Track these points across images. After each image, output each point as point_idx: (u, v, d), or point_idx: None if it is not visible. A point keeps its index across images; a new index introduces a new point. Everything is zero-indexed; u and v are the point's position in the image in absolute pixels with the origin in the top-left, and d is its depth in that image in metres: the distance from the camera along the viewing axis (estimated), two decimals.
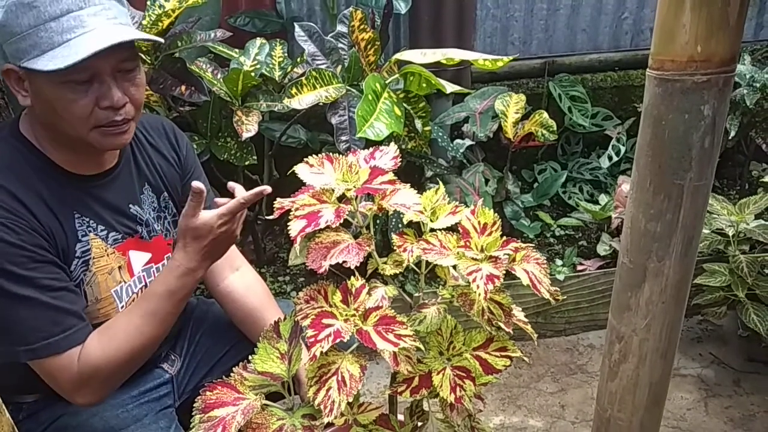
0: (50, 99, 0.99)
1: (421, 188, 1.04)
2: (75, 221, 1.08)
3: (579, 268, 2.33)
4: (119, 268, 1.15)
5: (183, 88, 1.73)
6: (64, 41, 0.94)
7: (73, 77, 0.96)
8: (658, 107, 0.81)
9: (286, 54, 2.14)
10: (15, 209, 0.99)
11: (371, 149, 1.09)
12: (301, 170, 1.00)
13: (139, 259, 1.19)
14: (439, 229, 1.00)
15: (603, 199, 2.61)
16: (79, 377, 1.01)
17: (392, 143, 1.10)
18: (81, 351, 1.02)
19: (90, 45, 0.93)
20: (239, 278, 1.33)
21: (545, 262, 0.96)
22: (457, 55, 1.60)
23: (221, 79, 1.86)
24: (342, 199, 0.97)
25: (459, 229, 0.98)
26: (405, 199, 0.99)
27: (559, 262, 2.34)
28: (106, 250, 1.13)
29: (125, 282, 1.16)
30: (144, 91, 1.08)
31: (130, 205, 1.18)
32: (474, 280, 0.88)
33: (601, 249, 2.39)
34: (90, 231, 1.10)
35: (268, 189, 1.05)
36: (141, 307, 1.08)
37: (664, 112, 0.80)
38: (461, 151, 2.39)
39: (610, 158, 2.79)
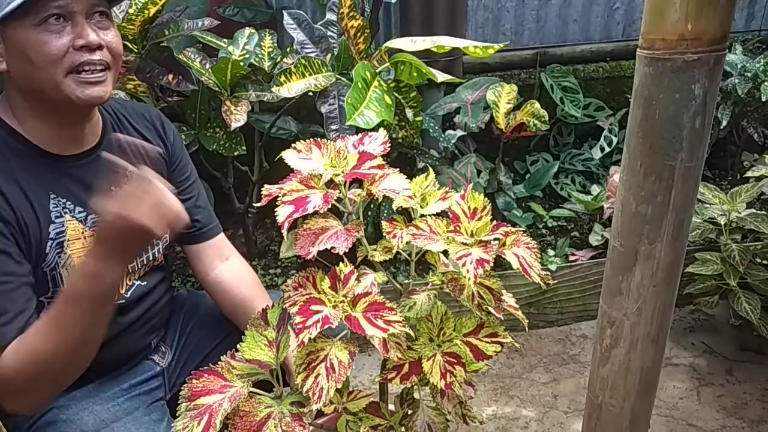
0: (22, 46, 0.96)
1: (413, 179, 1.02)
2: (50, 202, 1.05)
3: (571, 258, 2.33)
4: None
5: (170, 77, 1.71)
6: None
7: (44, 13, 0.94)
8: (649, 87, 0.80)
9: (275, 44, 2.12)
10: None
11: (360, 135, 1.08)
12: (288, 156, 0.98)
13: None
14: (429, 215, 0.99)
15: (595, 189, 2.60)
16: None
17: (381, 129, 1.08)
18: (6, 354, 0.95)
19: None
20: (229, 268, 1.32)
21: (536, 246, 0.95)
22: (447, 42, 1.59)
23: (209, 69, 1.83)
24: (330, 184, 0.95)
25: (449, 214, 0.97)
26: (394, 185, 0.97)
27: (551, 252, 2.33)
28: (83, 233, 1.09)
29: None
30: (121, 42, 1.06)
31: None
32: (464, 265, 0.87)
33: (593, 239, 2.38)
34: (66, 212, 1.07)
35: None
36: (49, 312, 0.95)
37: (655, 91, 0.79)
38: (453, 141, 2.37)
39: (602, 149, 2.79)
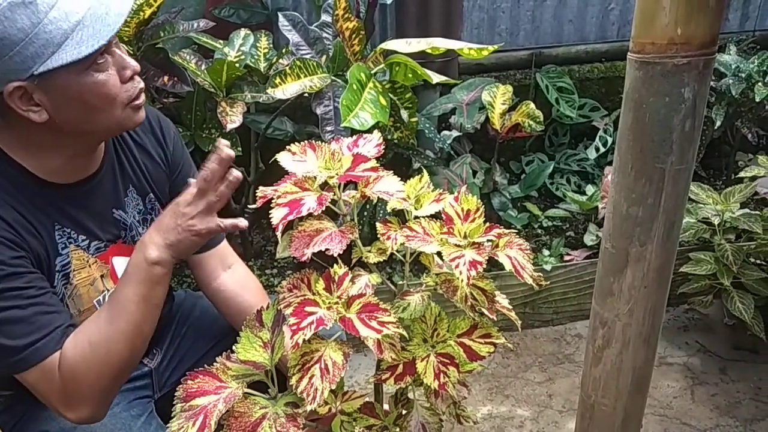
0: (80, 93, 0.93)
1: (408, 180, 1.03)
2: (55, 233, 1.04)
3: (566, 258, 2.34)
4: (101, 276, 1.12)
5: (165, 78, 1.71)
6: (74, 24, 0.89)
7: (95, 55, 0.92)
8: (639, 90, 0.81)
9: (271, 45, 2.13)
10: None
11: (354, 137, 1.08)
12: (283, 158, 0.99)
13: (123, 264, 1.13)
14: (424, 217, 1.00)
15: (590, 189, 2.62)
16: (62, 386, 0.95)
17: (376, 131, 1.09)
18: (60, 357, 0.95)
19: (110, 11, 0.90)
20: (232, 276, 1.30)
21: (528, 247, 0.96)
22: (442, 44, 1.59)
23: (205, 70, 1.84)
24: (325, 186, 0.96)
25: (442, 216, 0.98)
26: (388, 187, 0.98)
27: (546, 252, 2.35)
28: (87, 261, 1.09)
29: (108, 290, 1.12)
30: None
31: (114, 210, 1.14)
32: (457, 266, 0.87)
33: (588, 239, 2.40)
34: (70, 243, 1.06)
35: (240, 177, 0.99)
36: (107, 301, 1.00)
37: (645, 95, 0.80)
38: (448, 142, 2.38)
39: (597, 149, 2.80)
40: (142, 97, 1.03)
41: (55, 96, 0.92)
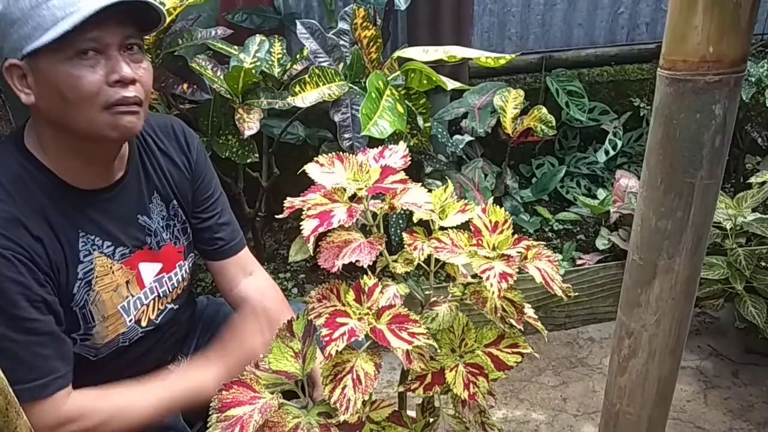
0: (55, 81, 0.93)
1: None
2: (79, 241, 1.05)
3: (578, 262, 2.35)
4: (126, 282, 1.13)
5: (185, 86, 1.73)
6: (66, 14, 0.90)
7: (79, 46, 0.92)
8: (670, 107, 0.82)
9: (284, 51, 2.14)
10: (17, 238, 0.95)
11: (380, 148, 1.10)
12: (311, 170, 1.00)
13: (149, 270, 1.17)
14: (450, 228, 1.01)
15: (601, 193, 2.62)
16: (57, 421, 0.99)
17: (402, 142, 1.10)
18: (72, 395, 1.01)
19: (92, 4, 0.91)
20: (253, 283, 1.31)
21: (557, 259, 0.97)
22: (459, 52, 1.61)
23: (221, 77, 1.85)
24: (353, 198, 0.97)
25: (470, 227, 0.99)
26: (416, 198, 0.99)
27: (558, 256, 2.36)
28: (111, 267, 1.10)
29: (133, 296, 1.14)
30: (152, 78, 1.04)
31: (139, 216, 1.15)
32: (487, 278, 0.88)
33: (600, 243, 2.40)
34: (94, 250, 1.07)
35: None
36: (154, 388, 1.11)
37: (676, 111, 0.81)
38: (461, 146, 2.39)
39: (606, 152, 2.81)
40: (129, 107, 0.98)
41: (37, 79, 0.96)
